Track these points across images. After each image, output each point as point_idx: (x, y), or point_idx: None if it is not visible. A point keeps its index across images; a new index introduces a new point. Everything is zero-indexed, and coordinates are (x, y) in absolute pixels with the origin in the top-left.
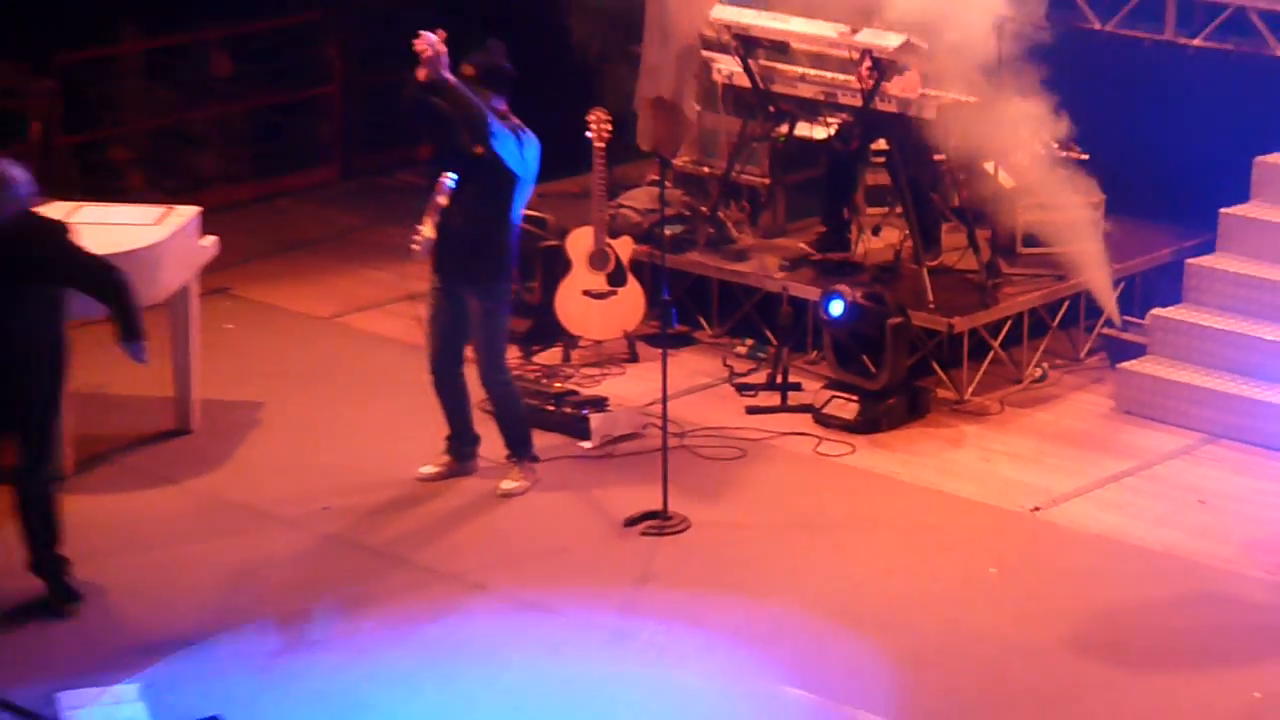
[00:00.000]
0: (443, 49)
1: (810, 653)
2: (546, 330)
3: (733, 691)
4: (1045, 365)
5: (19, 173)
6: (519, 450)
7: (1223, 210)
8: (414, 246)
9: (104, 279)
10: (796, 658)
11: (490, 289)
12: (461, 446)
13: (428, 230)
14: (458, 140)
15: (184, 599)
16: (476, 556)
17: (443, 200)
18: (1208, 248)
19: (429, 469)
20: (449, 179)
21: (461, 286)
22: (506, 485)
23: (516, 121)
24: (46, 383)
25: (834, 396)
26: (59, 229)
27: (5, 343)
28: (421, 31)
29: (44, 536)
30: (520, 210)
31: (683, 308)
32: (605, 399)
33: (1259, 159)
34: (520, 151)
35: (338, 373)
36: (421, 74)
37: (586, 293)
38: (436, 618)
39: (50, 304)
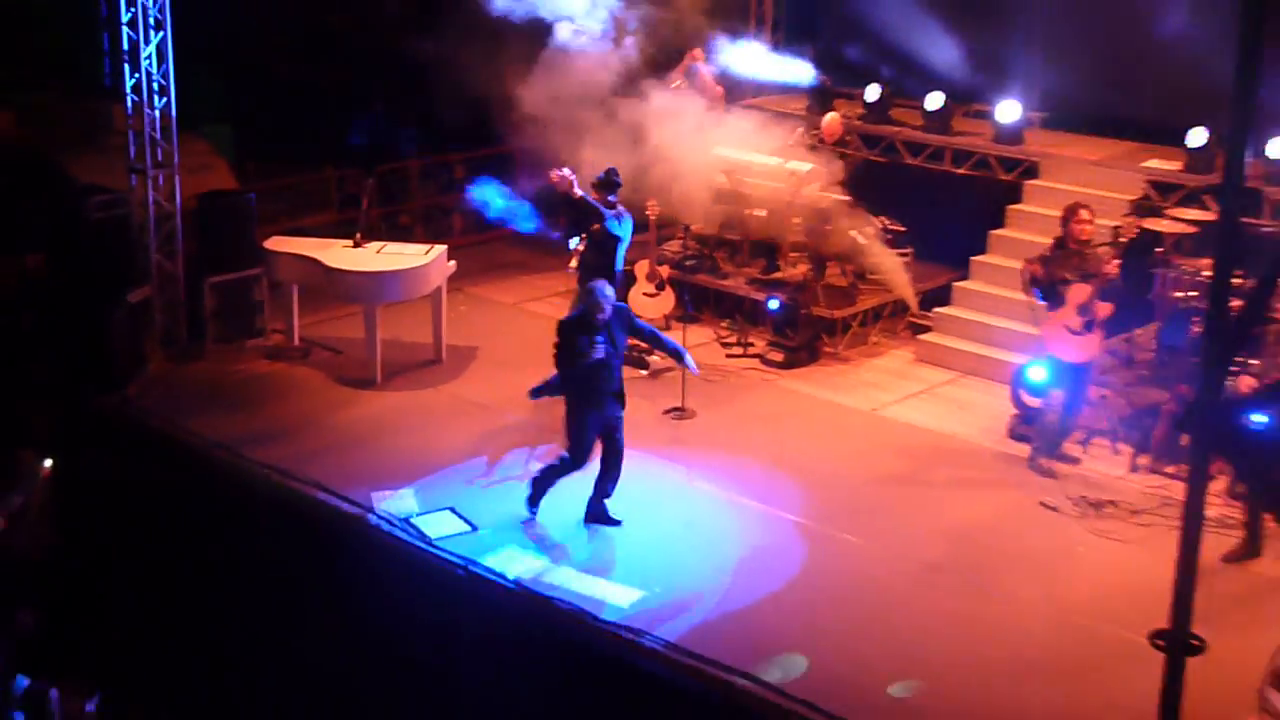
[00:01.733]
0: (571, 178)
1: (760, 482)
2: None
3: (721, 502)
4: (879, 337)
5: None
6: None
7: (973, 258)
8: (571, 268)
9: (655, 339)
10: (755, 484)
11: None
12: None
13: (574, 263)
14: (586, 221)
15: (439, 447)
16: None
17: (580, 247)
18: (965, 277)
19: None
20: (578, 240)
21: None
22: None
23: (620, 209)
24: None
25: (770, 349)
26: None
27: None
28: (553, 171)
29: None
30: (623, 254)
31: (695, 303)
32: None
33: (991, 231)
34: (620, 226)
35: (515, 333)
36: (561, 190)
37: (645, 294)
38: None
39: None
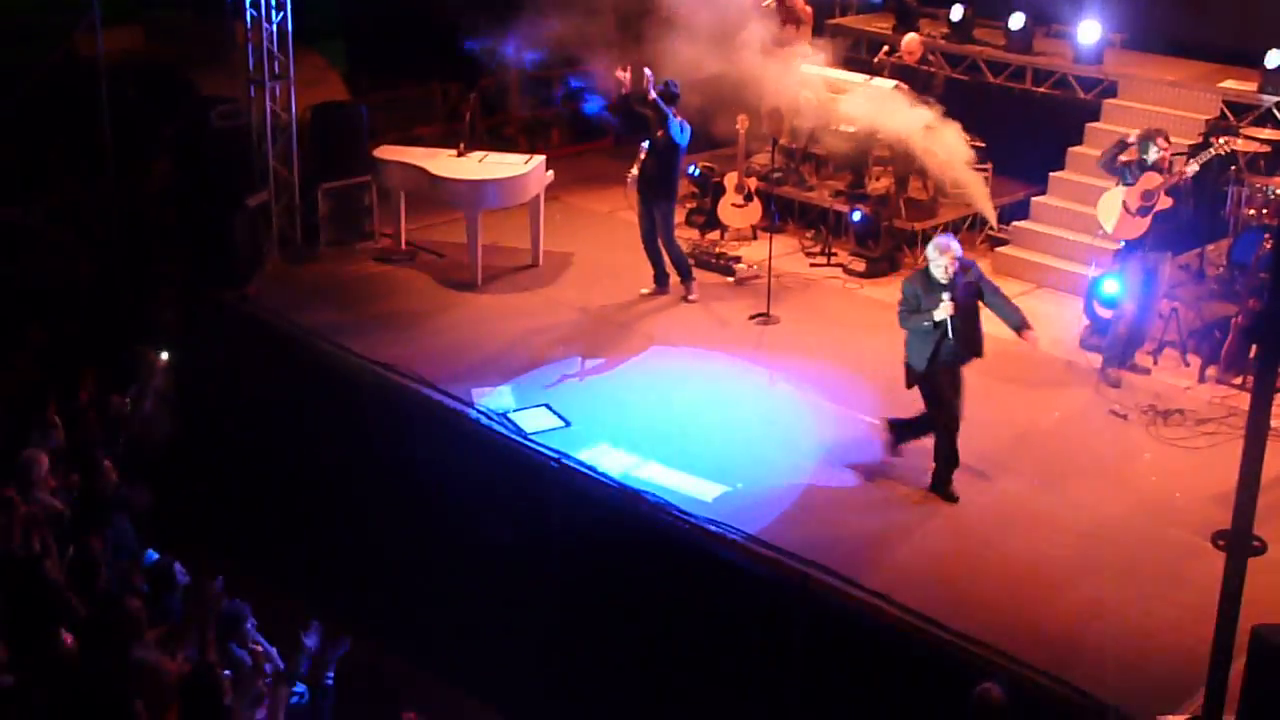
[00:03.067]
0: (650, 77)
1: (838, 385)
2: (713, 221)
3: (801, 403)
4: None
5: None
6: (686, 277)
7: (1051, 174)
8: (631, 177)
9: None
10: (833, 387)
11: (663, 204)
12: (658, 280)
13: (635, 171)
14: (649, 126)
15: (536, 346)
16: (675, 329)
17: (642, 156)
18: (1044, 193)
19: (646, 289)
20: (644, 146)
21: (649, 201)
22: (690, 297)
23: (681, 118)
24: None
25: (853, 259)
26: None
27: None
28: (631, 65)
29: None
30: (681, 164)
31: (781, 213)
32: (740, 257)
33: (1070, 149)
34: (681, 133)
35: (608, 240)
36: (627, 89)
37: (733, 204)
38: (651, 353)
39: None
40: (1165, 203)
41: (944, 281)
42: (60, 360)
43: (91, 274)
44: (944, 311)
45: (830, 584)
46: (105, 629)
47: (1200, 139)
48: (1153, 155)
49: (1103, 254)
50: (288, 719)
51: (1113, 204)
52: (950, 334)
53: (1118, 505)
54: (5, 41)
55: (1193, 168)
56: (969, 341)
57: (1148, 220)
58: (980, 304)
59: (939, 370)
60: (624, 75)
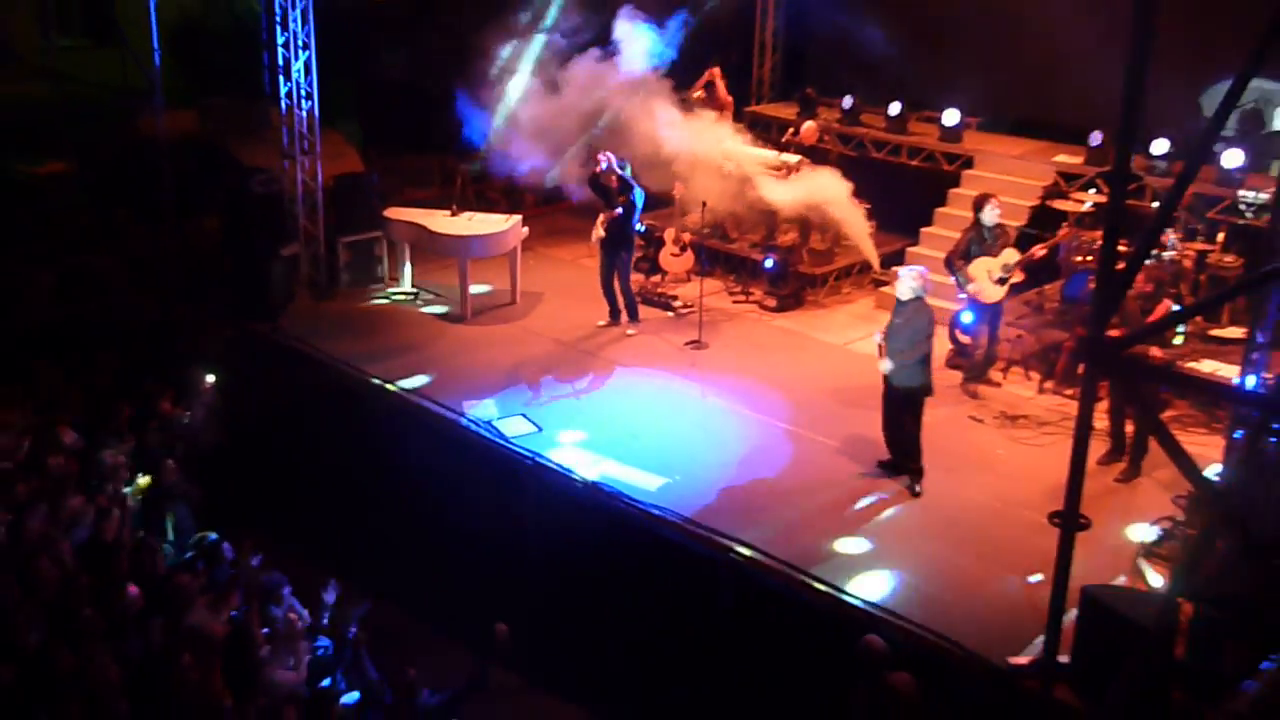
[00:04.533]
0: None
1: (756, 396)
2: (656, 267)
3: (727, 412)
4: (849, 288)
5: None
6: (633, 316)
7: (922, 229)
8: (596, 235)
9: None
10: (752, 398)
11: (623, 254)
12: (612, 314)
13: (600, 231)
14: (611, 196)
15: (514, 367)
16: (625, 353)
17: (604, 218)
18: (916, 244)
19: (601, 321)
20: (609, 211)
21: (611, 253)
22: (629, 330)
23: (632, 181)
24: None
25: (766, 296)
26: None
27: None
28: (600, 157)
29: None
30: (637, 221)
31: (709, 261)
32: (677, 295)
33: (937, 209)
34: (636, 197)
35: (573, 281)
36: (598, 169)
37: (671, 254)
38: (606, 372)
39: None
40: (1020, 276)
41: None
42: (129, 380)
43: (154, 310)
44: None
45: (749, 556)
46: (164, 598)
47: (1039, 201)
48: (989, 217)
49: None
50: (314, 667)
51: (979, 271)
52: None
53: (976, 490)
54: (86, 121)
55: (1042, 251)
56: None
57: (1005, 288)
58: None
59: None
60: (599, 158)
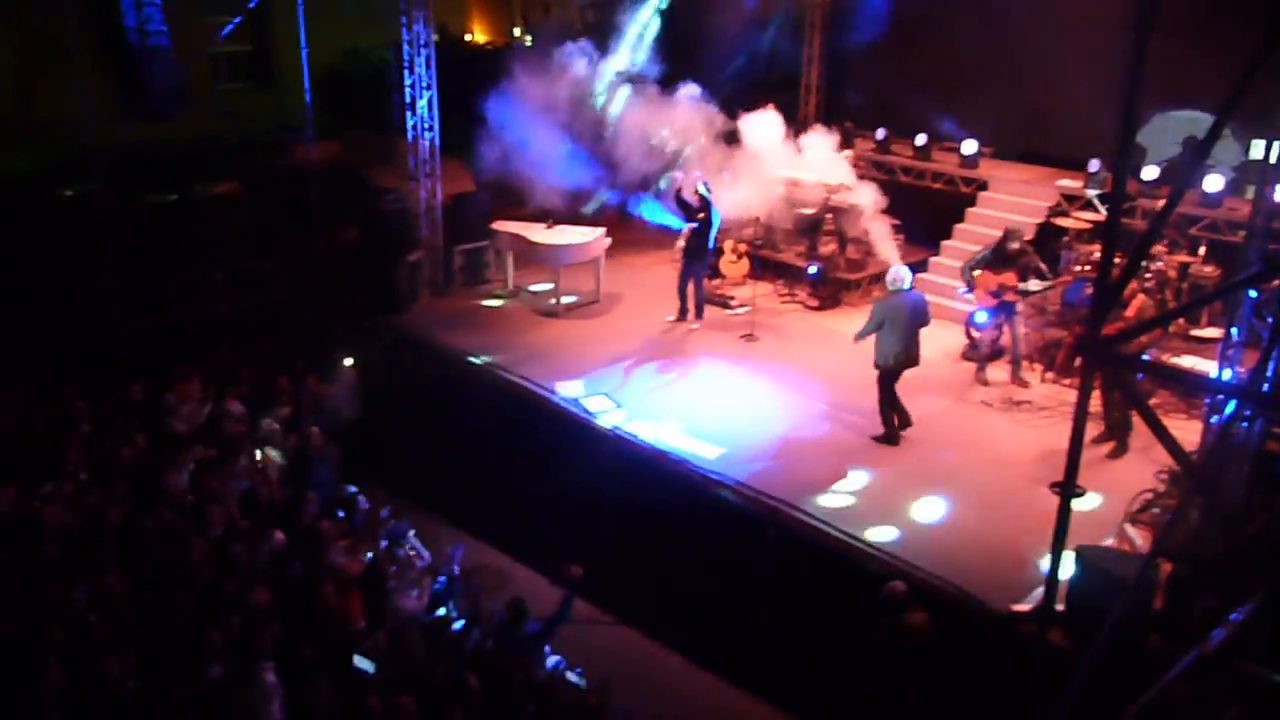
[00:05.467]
0: (680, 180)
1: (798, 380)
2: (716, 272)
3: (774, 392)
4: (879, 292)
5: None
6: (699, 314)
7: (943, 242)
8: (679, 245)
9: None
10: (795, 381)
11: (699, 264)
12: (680, 313)
13: (681, 243)
14: (692, 212)
15: (598, 354)
16: (690, 344)
17: (686, 232)
18: (938, 254)
19: (670, 317)
20: (690, 225)
21: (690, 260)
22: (694, 326)
23: (712, 200)
24: None
25: (809, 298)
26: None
27: None
28: (679, 175)
29: None
30: (714, 236)
31: (762, 267)
32: (734, 296)
33: (955, 225)
34: (716, 215)
35: (647, 284)
36: (680, 188)
37: (729, 261)
38: (675, 359)
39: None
40: (1012, 297)
41: None
42: (283, 361)
43: (304, 304)
44: None
45: (791, 515)
46: (310, 540)
47: (1044, 219)
48: (1012, 245)
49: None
50: (432, 599)
51: (980, 280)
52: None
53: (986, 464)
54: (250, 151)
55: (1030, 290)
56: None
57: (995, 301)
58: None
59: None
60: (679, 178)
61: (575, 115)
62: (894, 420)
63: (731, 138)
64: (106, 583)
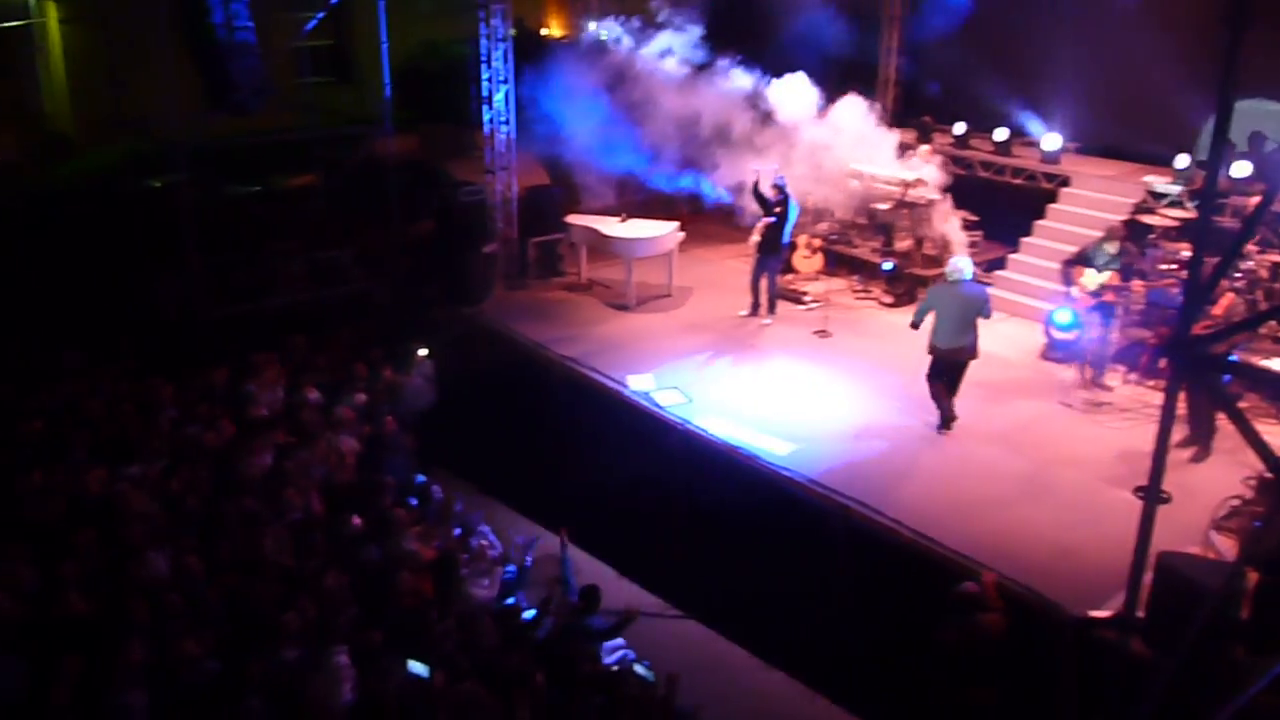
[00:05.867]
0: (764, 179)
1: (873, 379)
2: (790, 268)
3: (849, 391)
4: None
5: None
6: (771, 309)
7: (1022, 239)
8: (753, 239)
9: None
10: (869, 380)
11: (774, 259)
12: (753, 308)
13: (756, 237)
14: (768, 206)
15: (669, 348)
16: (763, 339)
17: (761, 226)
18: (1017, 251)
19: (743, 312)
20: (765, 220)
21: (766, 255)
22: (766, 321)
23: (789, 194)
24: None
25: (884, 294)
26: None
27: None
28: (755, 169)
29: None
30: (790, 230)
31: (836, 263)
32: (807, 291)
33: (1036, 222)
34: (790, 208)
35: (719, 278)
36: (758, 182)
37: (803, 256)
38: (748, 353)
39: None
40: (1112, 298)
41: None
42: (360, 350)
43: (381, 294)
44: None
45: (863, 513)
46: (383, 528)
47: (1129, 216)
48: (1108, 251)
49: (1055, 294)
50: (502, 588)
51: (1086, 280)
52: None
53: (1063, 465)
54: (330, 144)
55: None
56: None
57: (1094, 301)
58: None
59: None
60: (754, 169)
61: (649, 107)
62: (946, 404)
63: (807, 131)
64: (187, 564)
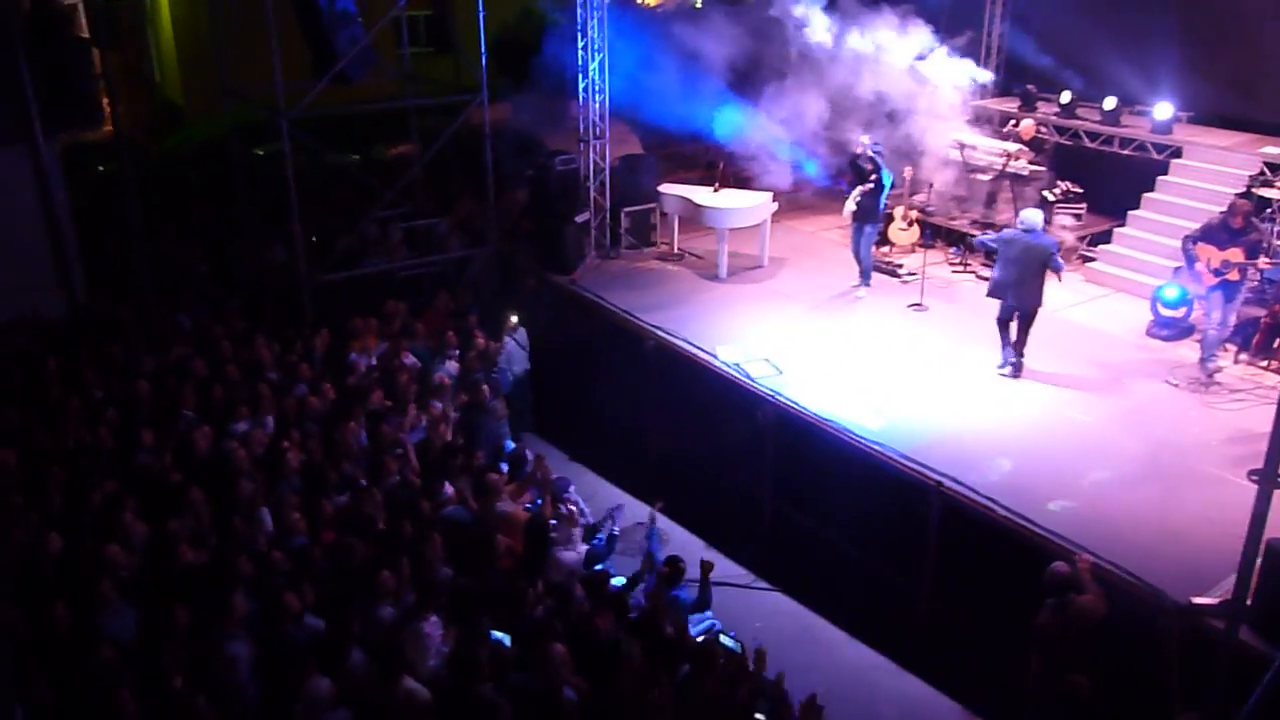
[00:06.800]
0: (861, 147)
1: (972, 354)
2: (885, 239)
3: (944, 365)
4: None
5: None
6: (866, 279)
7: (1130, 212)
8: (849, 208)
9: None
10: (967, 355)
11: (870, 226)
12: (861, 280)
13: (850, 205)
14: (865, 174)
15: (762, 319)
16: (856, 311)
17: (856, 195)
18: (1124, 225)
19: (854, 283)
20: (860, 188)
21: (863, 222)
22: (860, 293)
23: (881, 163)
24: None
25: (982, 267)
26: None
27: None
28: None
29: None
30: (885, 199)
31: (933, 235)
32: (903, 264)
33: (1145, 195)
34: (886, 177)
35: (812, 249)
36: (858, 151)
37: (900, 228)
38: (838, 325)
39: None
40: (1235, 275)
41: None
42: (457, 317)
43: (475, 262)
44: None
45: (956, 490)
46: (479, 492)
47: (1245, 189)
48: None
49: (1163, 269)
50: (590, 555)
51: (1211, 257)
52: None
53: (1169, 446)
54: (428, 113)
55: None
56: None
57: (1217, 280)
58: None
59: None
60: (864, 140)
61: (746, 76)
62: (1011, 350)
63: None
64: (290, 522)
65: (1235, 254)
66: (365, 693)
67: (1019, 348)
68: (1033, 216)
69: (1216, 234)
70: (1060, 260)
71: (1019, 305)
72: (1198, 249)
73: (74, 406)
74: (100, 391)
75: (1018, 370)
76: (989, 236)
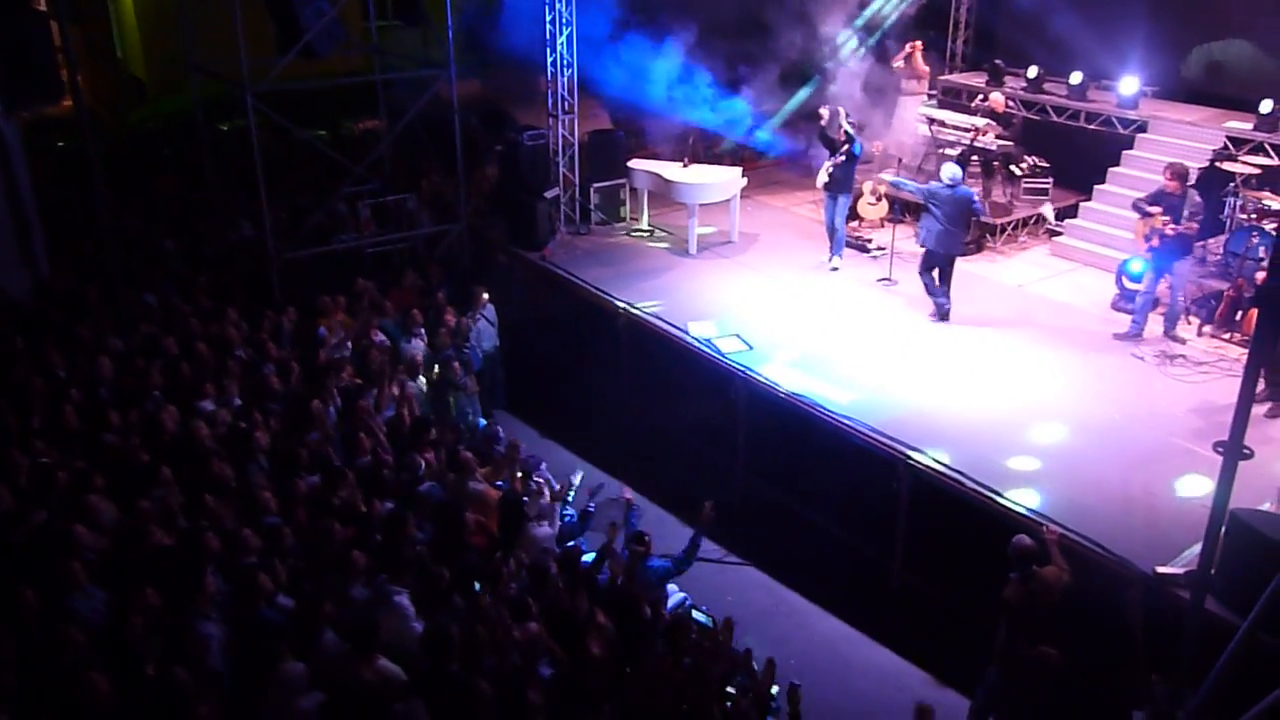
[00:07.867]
0: (830, 118)
1: (939, 329)
2: (854, 214)
3: (912, 339)
4: (1026, 237)
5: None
6: (837, 251)
7: (1096, 186)
8: (821, 179)
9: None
10: (934, 330)
11: (844, 195)
12: (833, 251)
13: (823, 176)
14: (835, 146)
15: (729, 295)
16: (825, 286)
17: (829, 166)
18: (1089, 199)
19: (827, 258)
20: (832, 159)
21: (836, 193)
22: (833, 266)
23: (855, 134)
24: None
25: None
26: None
27: None
28: (826, 108)
29: None
30: (855, 169)
31: (901, 210)
32: (872, 239)
33: (1111, 169)
34: (857, 148)
35: (783, 224)
36: (825, 123)
37: (869, 203)
38: (807, 300)
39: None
40: (1158, 242)
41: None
42: (425, 294)
43: (445, 238)
44: None
45: (924, 464)
46: (450, 468)
47: (1208, 163)
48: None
49: (1128, 243)
50: (562, 532)
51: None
52: None
53: (1135, 419)
54: (396, 87)
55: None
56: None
57: (1146, 245)
58: None
59: None
60: (823, 112)
61: (712, 51)
62: (939, 295)
63: (877, 75)
64: (260, 500)
65: (1157, 221)
66: (338, 673)
67: (946, 291)
68: (953, 170)
69: (1152, 201)
70: (980, 204)
71: (945, 250)
72: (1138, 222)
73: (38, 386)
74: (63, 371)
75: (946, 314)
76: (913, 185)
